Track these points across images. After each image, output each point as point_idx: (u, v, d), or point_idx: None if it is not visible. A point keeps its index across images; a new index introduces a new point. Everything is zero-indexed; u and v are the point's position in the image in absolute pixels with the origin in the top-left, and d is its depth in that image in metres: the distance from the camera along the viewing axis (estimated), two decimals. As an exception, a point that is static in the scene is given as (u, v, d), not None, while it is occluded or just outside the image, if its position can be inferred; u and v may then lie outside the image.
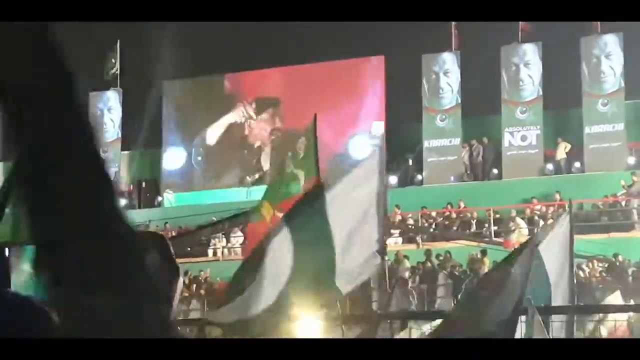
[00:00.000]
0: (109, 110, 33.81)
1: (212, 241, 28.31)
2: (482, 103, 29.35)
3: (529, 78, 28.98)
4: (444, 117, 29.77)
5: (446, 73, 29.87)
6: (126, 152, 34.06)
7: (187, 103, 33.53)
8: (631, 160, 27.46)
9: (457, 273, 22.00)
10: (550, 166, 28.56)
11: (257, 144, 32.93)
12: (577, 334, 7.52)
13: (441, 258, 23.21)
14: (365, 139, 30.87)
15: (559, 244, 7.60)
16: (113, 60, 33.55)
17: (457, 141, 29.54)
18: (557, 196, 26.14)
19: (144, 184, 33.72)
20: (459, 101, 29.62)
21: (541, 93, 28.80)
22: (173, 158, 33.71)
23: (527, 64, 28.98)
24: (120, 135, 33.70)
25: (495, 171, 29.16)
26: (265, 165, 32.27)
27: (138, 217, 28.82)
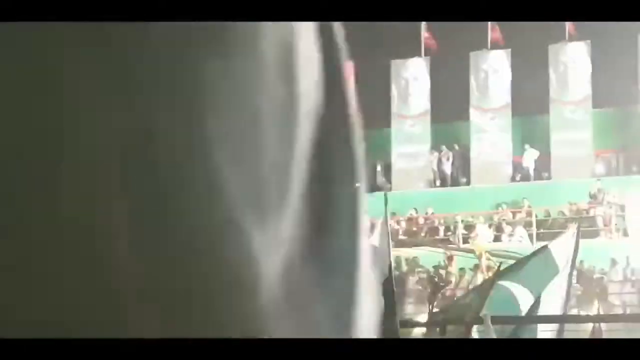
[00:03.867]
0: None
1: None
2: (451, 109, 29.31)
3: (496, 84, 29.06)
4: (413, 123, 29.75)
5: (416, 79, 29.87)
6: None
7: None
8: (598, 168, 27.63)
9: (424, 278, 22.05)
10: (517, 173, 28.64)
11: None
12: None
13: (408, 264, 23.26)
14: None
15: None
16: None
17: (426, 147, 29.53)
18: (526, 203, 26.25)
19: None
20: (429, 107, 29.62)
21: (510, 100, 28.88)
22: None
23: (495, 71, 29.07)
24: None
25: (463, 179, 29.17)
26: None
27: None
